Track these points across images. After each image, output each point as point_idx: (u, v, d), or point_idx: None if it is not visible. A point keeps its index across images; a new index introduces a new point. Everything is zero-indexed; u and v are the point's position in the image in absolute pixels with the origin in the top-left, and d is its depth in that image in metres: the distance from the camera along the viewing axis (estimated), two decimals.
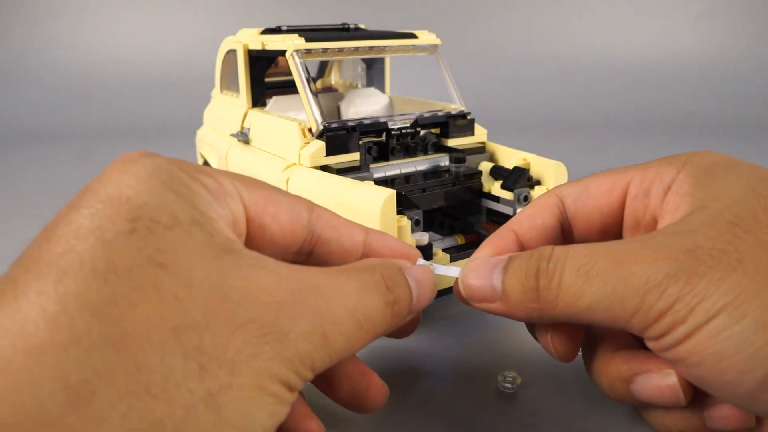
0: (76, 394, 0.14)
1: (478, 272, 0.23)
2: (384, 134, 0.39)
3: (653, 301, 0.19)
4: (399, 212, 0.32)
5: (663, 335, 0.20)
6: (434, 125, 0.42)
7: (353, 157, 0.38)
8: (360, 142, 0.38)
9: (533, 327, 0.26)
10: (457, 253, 0.34)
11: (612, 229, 0.26)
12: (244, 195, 0.22)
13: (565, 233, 0.26)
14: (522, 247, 0.25)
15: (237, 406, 0.16)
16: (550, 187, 0.37)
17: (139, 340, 0.15)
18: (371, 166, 0.38)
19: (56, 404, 0.14)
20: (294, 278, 0.19)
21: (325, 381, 0.25)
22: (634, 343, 0.24)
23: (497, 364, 0.32)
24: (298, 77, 0.39)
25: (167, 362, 0.15)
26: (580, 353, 0.26)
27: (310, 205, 0.24)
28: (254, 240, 0.22)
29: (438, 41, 0.45)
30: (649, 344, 0.21)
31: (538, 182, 0.38)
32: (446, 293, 0.34)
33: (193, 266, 0.17)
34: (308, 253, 0.24)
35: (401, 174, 0.39)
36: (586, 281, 0.20)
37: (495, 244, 0.25)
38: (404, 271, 0.23)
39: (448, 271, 0.25)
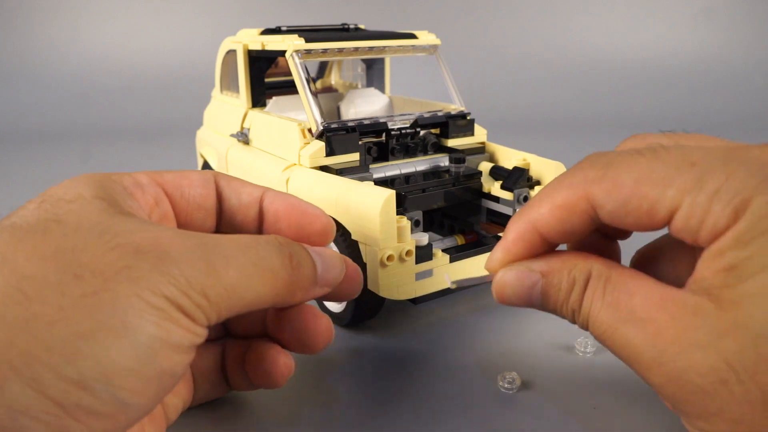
0: None
1: (516, 291, 0.23)
2: (384, 134, 0.39)
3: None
4: (398, 212, 0.32)
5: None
6: (434, 125, 0.42)
7: (353, 158, 0.38)
8: (360, 143, 0.38)
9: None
10: (457, 254, 0.34)
11: (646, 228, 0.22)
12: (158, 179, 0.25)
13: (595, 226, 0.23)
14: (546, 241, 0.23)
15: (111, 309, 0.17)
16: None
17: (25, 262, 0.18)
18: (371, 166, 0.38)
19: None
20: (190, 235, 0.20)
21: (273, 324, 0.27)
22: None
23: (497, 365, 0.32)
24: (298, 77, 0.39)
25: (43, 274, 0.18)
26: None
27: (215, 173, 0.27)
28: (181, 213, 0.26)
29: (438, 41, 0.45)
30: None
31: (538, 182, 0.38)
32: (446, 293, 0.34)
33: (85, 219, 0.20)
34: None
35: (401, 174, 0.39)
36: (625, 326, 0.20)
37: (523, 248, 0.23)
38: (310, 250, 0.24)
39: (469, 282, 0.25)
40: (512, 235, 0.23)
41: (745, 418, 0.17)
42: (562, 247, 0.24)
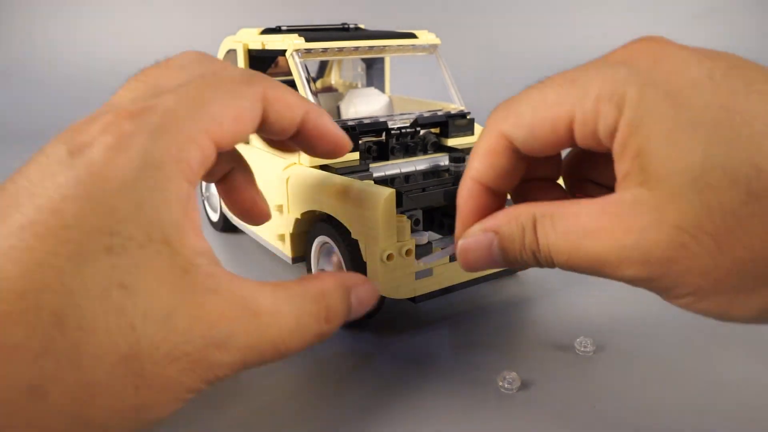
0: (35, 391, 0.17)
1: (478, 255, 0.25)
2: (384, 134, 0.39)
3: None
4: (398, 212, 0.32)
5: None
6: (434, 125, 0.42)
7: (353, 157, 0.38)
8: (360, 142, 0.38)
9: None
10: None
11: (563, 148, 0.25)
12: (216, 140, 0.23)
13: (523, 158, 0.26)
14: (491, 190, 0.26)
15: (152, 413, 0.20)
16: None
17: (93, 361, 0.18)
18: (371, 165, 0.38)
19: (19, 400, 0.17)
20: (238, 305, 0.21)
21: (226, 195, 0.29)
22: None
23: (497, 365, 0.32)
24: (298, 77, 0.39)
25: (111, 381, 0.18)
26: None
27: (264, 99, 0.25)
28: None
29: (438, 41, 0.45)
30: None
31: None
32: (446, 293, 0.34)
33: (152, 291, 0.19)
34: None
35: (401, 173, 0.39)
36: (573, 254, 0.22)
37: (475, 208, 0.26)
38: (351, 292, 0.25)
39: (433, 258, 0.27)
40: (462, 200, 0.26)
41: (709, 265, 0.19)
42: None
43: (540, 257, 0.23)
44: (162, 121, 0.21)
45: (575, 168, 0.28)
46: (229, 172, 0.29)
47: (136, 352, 0.18)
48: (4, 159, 0.87)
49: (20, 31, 1.26)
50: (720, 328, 0.33)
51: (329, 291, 0.24)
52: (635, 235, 0.20)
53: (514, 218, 0.24)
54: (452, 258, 0.34)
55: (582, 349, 0.33)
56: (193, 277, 0.20)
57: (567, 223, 0.22)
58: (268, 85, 0.25)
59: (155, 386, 0.19)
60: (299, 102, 0.26)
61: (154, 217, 0.19)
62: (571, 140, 0.23)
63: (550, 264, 0.23)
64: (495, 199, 0.26)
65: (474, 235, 0.25)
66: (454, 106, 0.44)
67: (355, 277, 0.27)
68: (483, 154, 0.25)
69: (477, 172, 0.25)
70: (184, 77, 0.24)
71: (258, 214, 0.31)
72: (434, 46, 0.45)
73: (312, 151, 0.28)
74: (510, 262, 0.25)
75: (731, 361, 0.32)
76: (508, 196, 0.27)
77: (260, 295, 0.22)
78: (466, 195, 0.26)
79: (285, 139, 0.27)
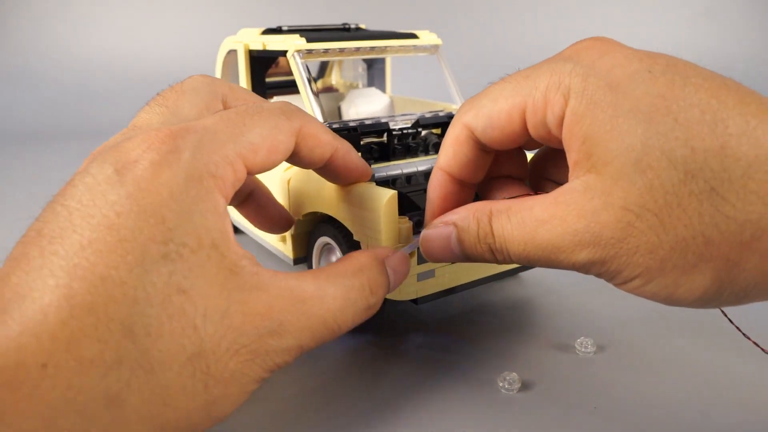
0: (112, 401, 0.18)
1: (438, 245, 0.27)
2: (385, 135, 0.39)
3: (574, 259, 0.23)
4: (401, 213, 0.32)
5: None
6: (435, 125, 0.42)
7: None
8: (361, 143, 0.38)
9: None
10: None
11: (526, 140, 0.26)
12: (249, 166, 0.24)
13: (486, 150, 0.28)
14: (458, 181, 0.28)
15: (222, 406, 0.21)
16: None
17: (163, 365, 0.19)
18: (372, 166, 0.38)
19: (98, 410, 0.18)
20: (285, 296, 0.22)
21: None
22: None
23: (497, 365, 0.32)
24: (300, 77, 0.39)
25: (182, 381, 0.19)
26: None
27: (301, 129, 0.26)
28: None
29: (439, 41, 0.45)
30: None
31: None
32: (448, 294, 0.34)
33: (207, 293, 0.20)
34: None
35: (402, 174, 0.39)
36: (528, 243, 0.24)
37: (442, 197, 0.28)
38: (385, 262, 0.27)
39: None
40: (431, 189, 0.28)
41: (654, 243, 0.20)
42: None
43: (495, 250, 0.25)
44: (202, 140, 0.22)
45: (539, 168, 0.30)
46: (249, 194, 0.32)
47: (200, 351, 0.20)
48: (5, 159, 0.87)
49: (21, 30, 1.25)
50: (721, 327, 0.33)
51: (367, 265, 0.26)
52: (586, 219, 0.22)
53: (471, 212, 0.26)
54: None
55: (583, 349, 0.33)
56: (239, 278, 0.21)
57: (522, 215, 0.24)
58: (305, 121, 0.26)
59: (222, 380, 0.20)
60: (331, 139, 0.27)
61: (201, 224, 0.21)
62: (525, 130, 0.25)
63: (506, 257, 0.25)
64: (463, 191, 0.28)
65: (435, 226, 0.27)
66: (456, 107, 0.44)
67: (383, 249, 0.28)
68: (448, 144, 0.27)
69: (443, 161, 0.28)
70: (197, 100, 0.26)
71: (286, 224, 0.34)
72: (436, 47, 0.45)
73: (334, 180, 0.31)
74: (467, 255, 0.26)
75: (733, 362, 0.32)
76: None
77: (303, 282, 0.23)
78: (435, 184, 0.28)
79: (312, 169, 0.29)
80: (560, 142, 0.24)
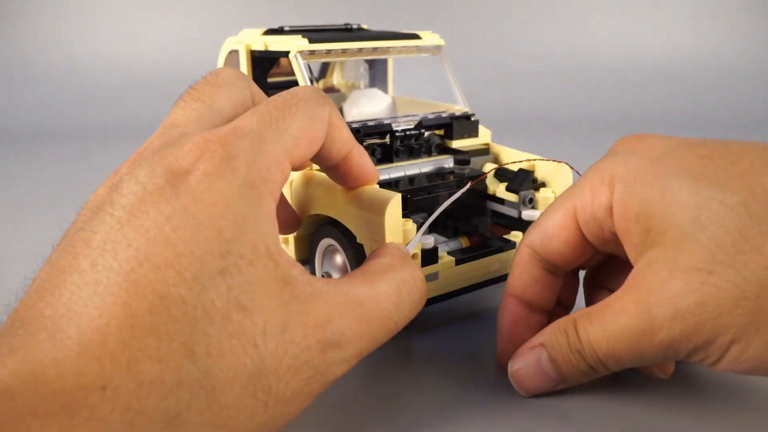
0: (172, 422, 0.17)
1: (529, 372, 0.27)
2: (388, 136, 0.39)
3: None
4: (404, 215, 0.31)
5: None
6: (438, 127, 0.42)
7: None
8: (364, 144, 0.38)
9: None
10: (462, 256, 0.34)
11: (585, 250, 0.27)
12: (294, 162, 0.24)
13: (552, 270, 0.29)
14: (527, 305, 0.29)
15: (279, 423, 0.20)
16: (555, 190, 0.37)
17: (224, 385, 0.18)
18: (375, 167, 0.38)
19: (156, 428, 0.17)
20: (343, 302, 0.22)
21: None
22: None
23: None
24: (302, 78, 0.39)
25: (242, 402, 0.19)
26: None
27: (330, 123, 0.26)
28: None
29: (442, 42, 0.45)
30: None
31: (543, 184, 0.38)
32: (451, 297, 0.34)
33: (266, 307, 0.19)
34: None
35: (405, 176, 0.39)
36: (610, 352, 0.24)
37: (512, 321, 0.29)
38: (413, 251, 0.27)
39: (412, 246, 0.29)
40: (500, 317, 0.29)
41: (738, 295, 0.19)
42: None
43: (586, 355, 0.24)
44: (252, 145, 0.21)
45: (595, 280, 0.30)
46: None
47: (261, 369, 0.19)
48: (5, 158, 0.87)
49: (22, 30, 1.25)
50: None
51: (407, 256, 0.26)
52: (656, 293, 0.20)
53: (557, 327, 0.25)
54: (457, 262, 0.33)
55: None
56: (295, 288, 0.21)
57: (600, 313, 0.23)
58: (333, 110, 0.25)
59: (283, 399, 0.20)
60: (350, 137, 0.27)
61: (257, 232, 0.20)
62: (581, 235, 0.25)
63: (597, 362, 0.24)
64: (533, 317, 0.28)
65: (522, 354, 0.27)
66: (459, 108, 0.44)
67: (398, 243, 0.28)
68: (514, 266, 0.28)
69: (511, 286, 0.28)
70: (232, 95, 0.25)
71: (295, 224, 0.34)
72: (438, 47, 0.45)
73: (342, 182, 0.30)
74: (562, 374, 0.26)
75: None
76: None
77: (356, 285, 0.23)
78: (504, 309, 0.29)
79: (322, 167, 0.28)
80: (616, 239, 0.23)
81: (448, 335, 0.35)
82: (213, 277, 0.19)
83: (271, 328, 0.19)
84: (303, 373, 0.20)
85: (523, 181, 0.37)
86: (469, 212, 0.40)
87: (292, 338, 0.20)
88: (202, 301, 0.18)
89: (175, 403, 0.17)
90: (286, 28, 0.46)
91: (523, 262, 0.27)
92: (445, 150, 0.42)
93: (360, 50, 0.42)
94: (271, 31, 0.46)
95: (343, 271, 0.35)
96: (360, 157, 0.28)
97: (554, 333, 0.25)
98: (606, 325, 0.23)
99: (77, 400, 0.16)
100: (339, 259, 0.35)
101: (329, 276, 0.36)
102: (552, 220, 0.26)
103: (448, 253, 0.34)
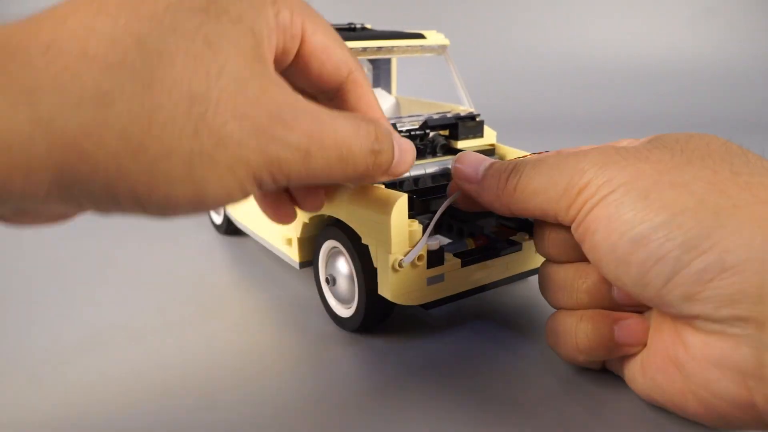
0: (101, 98, 0.17)
1: (469, 162, 0.31)
2: None
3: (576, 181, 0.25)
4: (409, 216, 0.31)
5: (579, 210, 0.25)
6: (443, 127, 0.41)
7: None
8: None
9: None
10: (468, 258, 0.33)
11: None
12: (304, 36, 0.24)
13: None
14: None
15: (206, 171, 0.19)
16: None
17: (162, 87, 0.18)
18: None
19: (86, 104, 0.17)
20: (301, 102, 0.22)
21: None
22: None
23: (503, 371, 0.31)
24: None
25: (174, 112, 0.18)
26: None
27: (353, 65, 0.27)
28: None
29: (447, 41, 0.45)
30: (570, 224, 0.26)
31: None
32: (457, 299, 0.34)
33: (232, 56, 0.20)
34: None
35: (410, 176, 0.39)
36: (535, 170, 0.27)
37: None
38: (394, 136, 0.26)
39: (418, 248, 0.30)
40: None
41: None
42: None
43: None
44: None
45: None
46: None
47: (204, 95, 0.19)
48: None
49: None
50: None
51: (376, 120, 0.25)
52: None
53: (508, 161, 0.29)
54: (463, 263, 0.33)
55: None
56: (267, 68, 0.21)
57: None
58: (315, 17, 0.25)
59: (215, 135, 0.19)
60: (351, 57, 0.27)
61: (250, 15, 0.21)
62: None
63: (510, 194, 0.28)
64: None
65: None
66: (463, 108, 0.44)
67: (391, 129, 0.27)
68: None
69: None
70: None
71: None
72: (443, 47, 0.45)
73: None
74: (485, 181, 0.30)
75: None
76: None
77: (317, 105, 0.22)
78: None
79: (321, 96, 0.28)
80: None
81: (451, 337, 0.35)
82: (194, 8, 0.19)
83: (228, 72, 0.19)
84: (245, 123, 0.19)
85: None
86: (474, 213, 0.40)
87: (245, 91, 0.19)
88: (174, 16, 0.19)
89: (111, 80, 0.17)
90: None
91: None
92: (450, 150, 0.41)
93: (364, 50, 0.42)
94: None
95: (349, 275, 0.34)
96: (364, 82, 0.28)
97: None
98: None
99: (19, 49, 0.17)
100: (343, 260, 0.35)
101: (333, 280, 0.35)
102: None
103: (454, 254, 0.33)
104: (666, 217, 0.22)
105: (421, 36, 0.44)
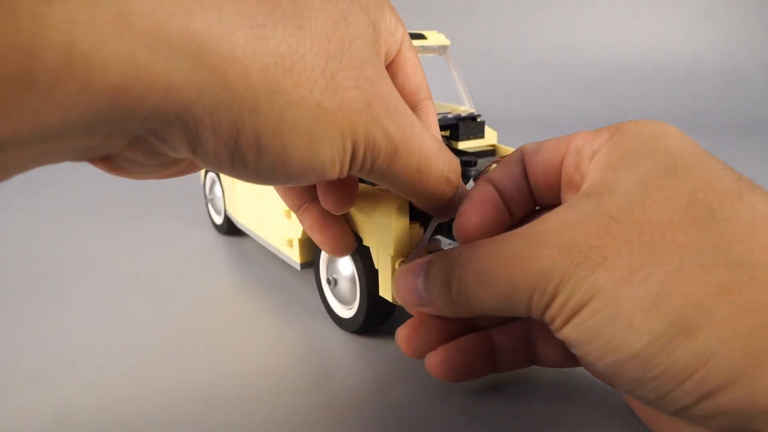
0: (255, 32, 0.17)
1: (405, 284, 0.26)
2: None
3: (538, 298, 0.21)
4: (411, 218, 0.31)
5: (551, 323, 0.22)
6: (444, 128, 0.41)
7: None
8: None
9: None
10: None
11: (555, 185, 0.26)
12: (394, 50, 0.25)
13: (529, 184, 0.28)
14: (500, 197, 0.27)
15: (324, 128, 0.19)
16: None
17: (307, 39, 0.18)
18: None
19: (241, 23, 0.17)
20: (402, 102, 0.22)
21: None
22: None
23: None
24: None
25: (311, 66, 0.18)
26: None
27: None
28: None
29: (447, 42, 0.45)
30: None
31: None
32: None
33: (359, 37, 0.20)
34: None
35: None
36: (486, 289, 0.23)
37: (480, 203, 0.27)
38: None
39: (418, 251, 0.29)
40: (475, 192, 0.27)
41: (627, 255, 0.20)
42: None
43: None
44: None
45: None
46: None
47: (338, 59, 0.19)
48: None
49: None
50: None
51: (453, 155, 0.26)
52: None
53: (443, 254, 0.25)
54: None
55: None
56: (380, 60, 0.22)
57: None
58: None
59: (338, 98, 0.19)
60: (403, 30, 0.27)
61: (373, 9, 0.22)
62: (560, 163, 0.26)
63: (468, 310, 0.24)
64: (502, 214, 0.27)
65: (409, 268, 0.27)
66: (464, 109, 0.44)
67: None
68: (504, 162, 0.27)
69: (491, 175, 0.27)
70: None
71: (351, 201, 0.30)
72: (444, 47, 0.45)
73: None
74: (433, 302, 0.25)
75: None
76: None
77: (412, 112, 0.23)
78: (478, 191, 0.27)
79: None
80: (568, 186, 0.25)
81: None
82: None
83: (355, 47, 0.20)
84: (361, 96, 0.20)
85: None
86: None
87: (364, 70, 0.20)
88: None
89: (266, 15, 0.17)
90: None
91: (512, 160, 0.27)
92: (451, 151, 0.41)
93: None
94: None
95: (350, 276, 0.34)
96: (433, 113, 0.28)
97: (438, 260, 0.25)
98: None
99: None
100: (345, 263, 0.35)
101: (335, 281, 0.35)
102: (552, 140, 0.26)
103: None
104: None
105: (422, 36, 0.44)
